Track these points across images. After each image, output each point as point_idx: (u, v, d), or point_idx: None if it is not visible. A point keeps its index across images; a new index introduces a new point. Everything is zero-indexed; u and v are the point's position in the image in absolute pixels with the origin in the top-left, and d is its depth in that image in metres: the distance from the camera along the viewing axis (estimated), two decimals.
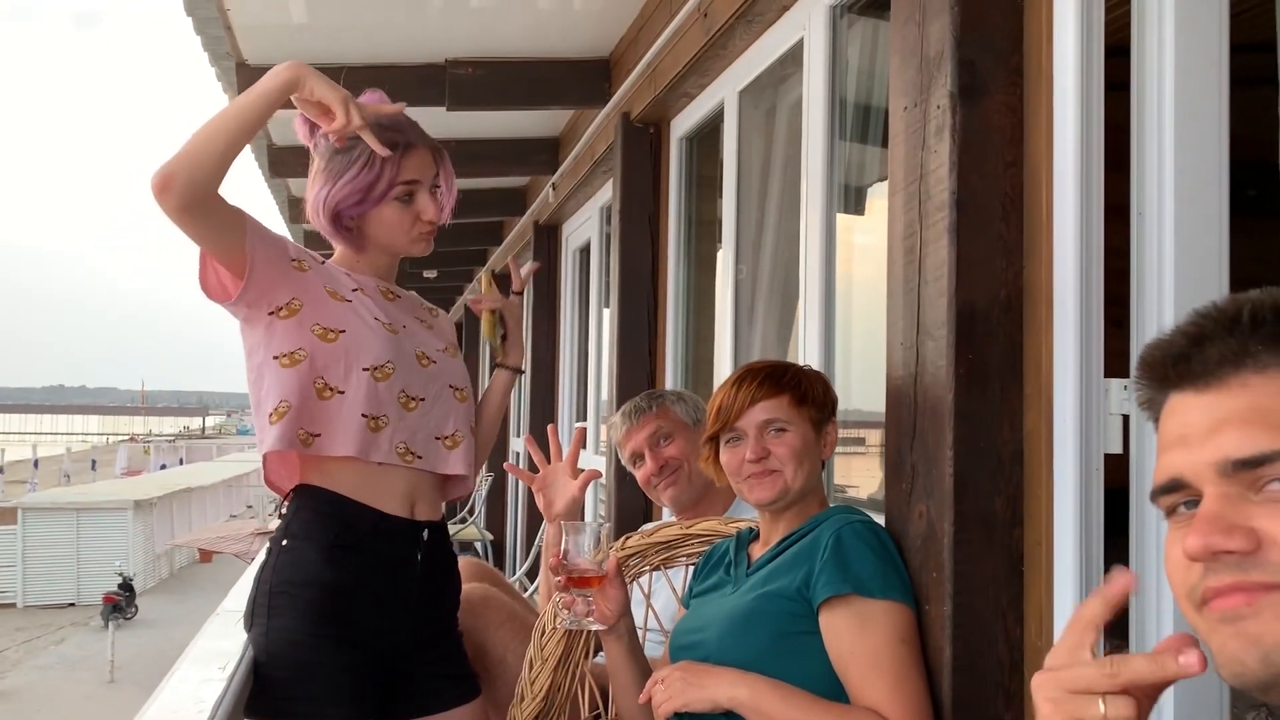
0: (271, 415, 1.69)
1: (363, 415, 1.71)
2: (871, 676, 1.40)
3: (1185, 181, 1.40)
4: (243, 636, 1.66)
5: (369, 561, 1.71)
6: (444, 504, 1.90)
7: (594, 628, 1.62)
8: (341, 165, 1.78)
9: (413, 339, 1.83)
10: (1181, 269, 1.40)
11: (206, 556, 26.55)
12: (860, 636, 1.42)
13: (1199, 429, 0.72)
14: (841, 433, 1.70)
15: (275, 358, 1.71)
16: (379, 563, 1.72)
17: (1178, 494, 0.73)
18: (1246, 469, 0.69)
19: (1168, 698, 1.37)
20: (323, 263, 1.82)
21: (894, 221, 1.61)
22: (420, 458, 1.77)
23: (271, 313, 1.71)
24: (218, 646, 1.67)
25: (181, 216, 1.58)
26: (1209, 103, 1.41)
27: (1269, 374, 0.71)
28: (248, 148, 4.83)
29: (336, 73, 3.67)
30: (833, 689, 1.43)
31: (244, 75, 3.53)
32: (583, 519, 2.06)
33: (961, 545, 1.44)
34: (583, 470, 2.06)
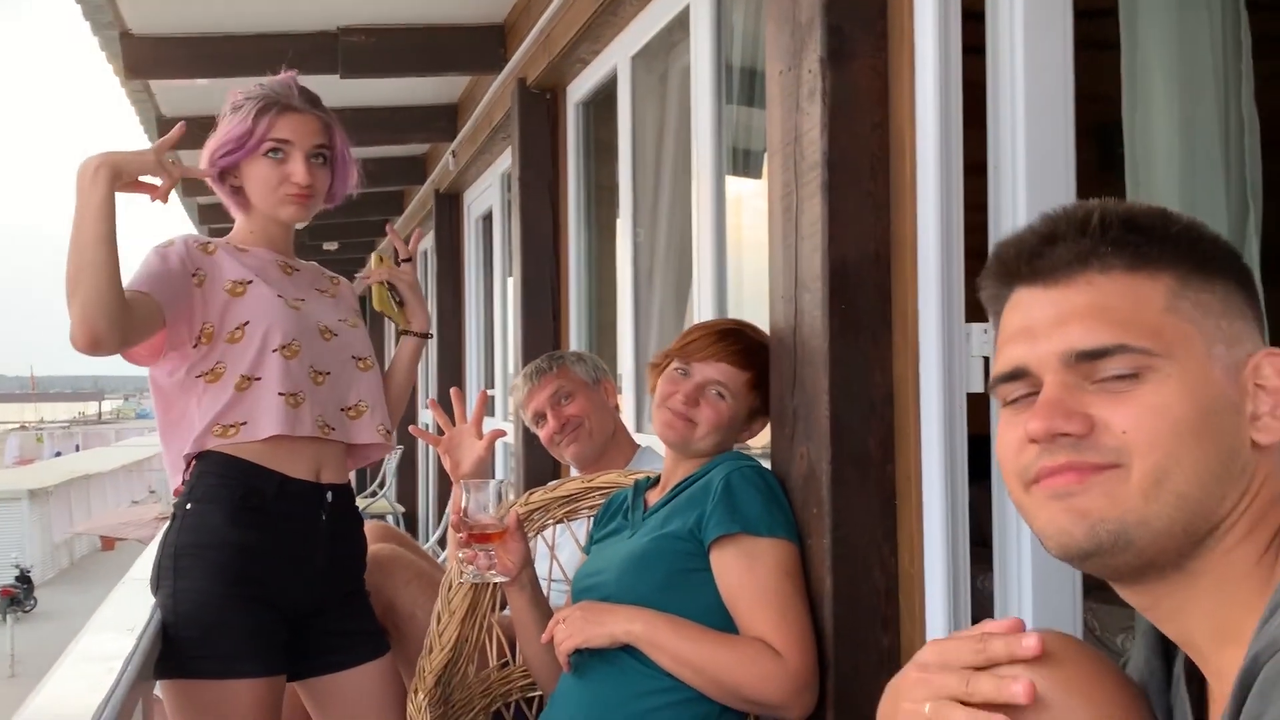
0: (214, 429, 1.75)
1: (280, 394, 1.76)
2: (759, 608, 1.50)
3: (1035, 139, 1.51)
4: (149, 602, 1.69)
5: (274, 521, 1.76)
6: (353, 470, 1.95)
7: (497, 579, 1.69)
8: (226, 118, 1.85)
9: (314, 313, 1.87)
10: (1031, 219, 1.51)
11: (109, 544, 25.80)
12: (748, 572, 1.51)
13: (1045, 321, 0.78)
14: None
15: (199, 376, 1.77)
16: (284, 523, 1.77)
17: (1019, 382, 0.80)
18: (1087, 360, 0.76)
19: (1025, 585, 1.50)
20: (212, 251, 1.83)
21: (773, 181, 1.70)
22: (334, 429, 1.84)
23: (194, 345, 1.78)
24: (124, 613, 1.69)
25: (125, 350, 1.68)
26: (1056, 64, 1.52)
27: (1113, 275, 0.77)
28: (136, 118, 4.69)
29: (224, 41, 3.60)
30: (724, 622, 1.52)
31: (128, 45, 3.45)
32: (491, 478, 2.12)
33: (839, 483, 1.54)
34: (488, 432, 2.12)
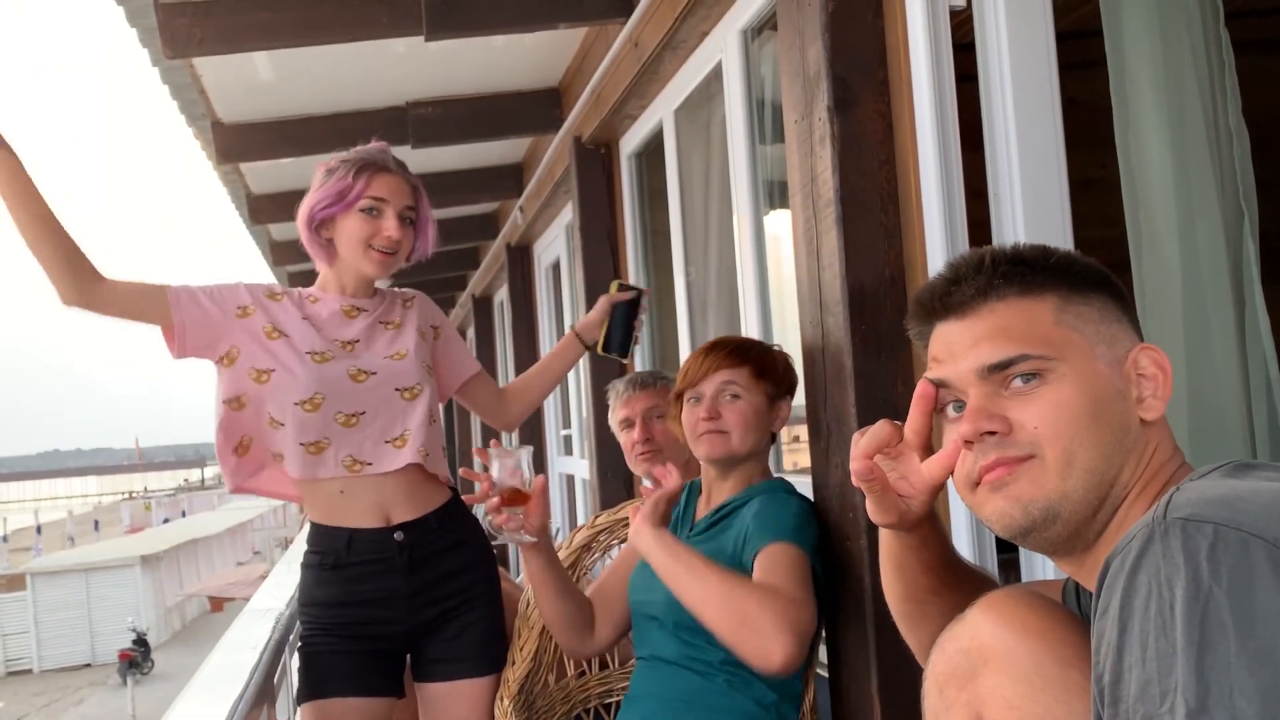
0: (237, 449, 2.00)
1: (300, 444, 1.96)
2: (774, 575, 1.64)
3: (1028, 158, 1.66)
4: (267, 626, 1.93)
5: (351, 573, 1.98)
6: (438, 501, 2.05)
7: (526, 540, 1.88)
8: (322, 180, 2.04)
9: (353, 358, 2.01)
10: (1032, 236, 1.65)
11: (218, 605, 26.64)
12: (770, 562, 1.67)
13: (960, 346, 0.98)
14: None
15: (225, 402, 1.99)
16: (360, 571, 1.98)
17: (945, 390, 0.99)
18: (998, 371, 0.95)
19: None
20: (278, 298, 2.04)
21: (796, 218, 1.87)
22: (370, 464, 1.98)
23: (218, 361, 1.99)
24: (246, 636, 1.93)
25: (94, 309, 1.90)
26: (1043, 87, 1.67)
27: (1008, 301, 0.97)
28: (228, 196, 5.06)
29: (303, 123, 3.91)
30: None
31: (219, 133, 3.78)
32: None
33: None
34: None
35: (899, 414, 1.74)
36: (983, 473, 0.95)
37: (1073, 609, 1.00)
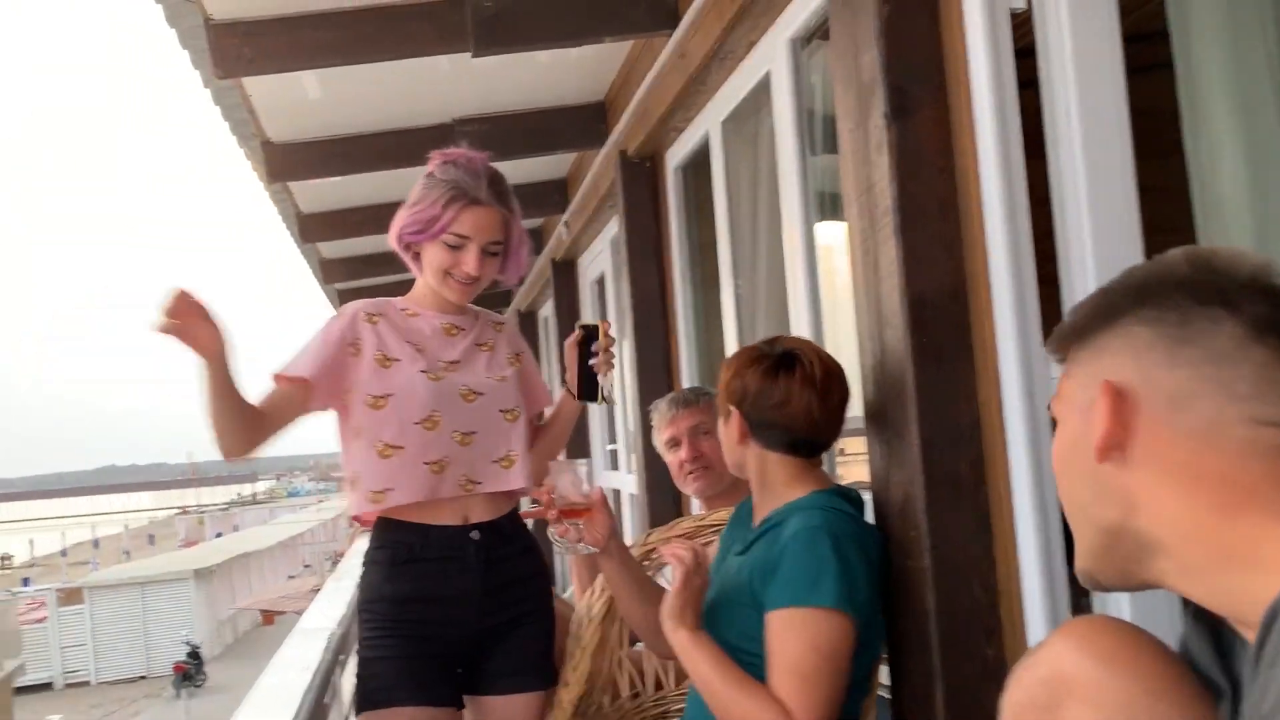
0: (350, 483, 2.01)
1: (425, 464, 1.97)
2: (783, 674, 1.55)
3: (1094, 166, 1.61)
4: (319, 646, 1.92)
5: (424, 569, 1.97)
6: (508, 506, 2.08)
7: (587, 550, 1.86)
8: (418, 196, 2.02)
9: (461, 376, 2.03)
10: (1100, 246, 1.59)
11: (269, 619, 26.95)
12: (783, 642, 1.57)
13: None
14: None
15: (344, 436, 2.03)
16: (433, 568, 1.97)
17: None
18: None
19: (1123, 599, 1.55)
20: (376, 321, 2.03)
21: (851, 228, 1.83)
22: (480, 483, 2.01)
23: (340, 403, 2.01)
24: (299, 655, 1.92)
25: (259, 448, 1.94)
26: (1108, 91, 1.61)
27: None
28: (279, 215, 5.12)
29: (351, 141, 3.93)
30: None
31: (269, 152, 3.82)
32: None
33: (934, 506, 1.64)
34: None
35: (960, 430, 1.71)
36: None
37: (1195, 623, 0.91)
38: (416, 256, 2.06)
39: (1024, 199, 1.65)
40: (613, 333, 2.12)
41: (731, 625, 1.66)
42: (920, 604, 1.66)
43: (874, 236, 1.74)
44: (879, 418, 1.76)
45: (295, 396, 1.96)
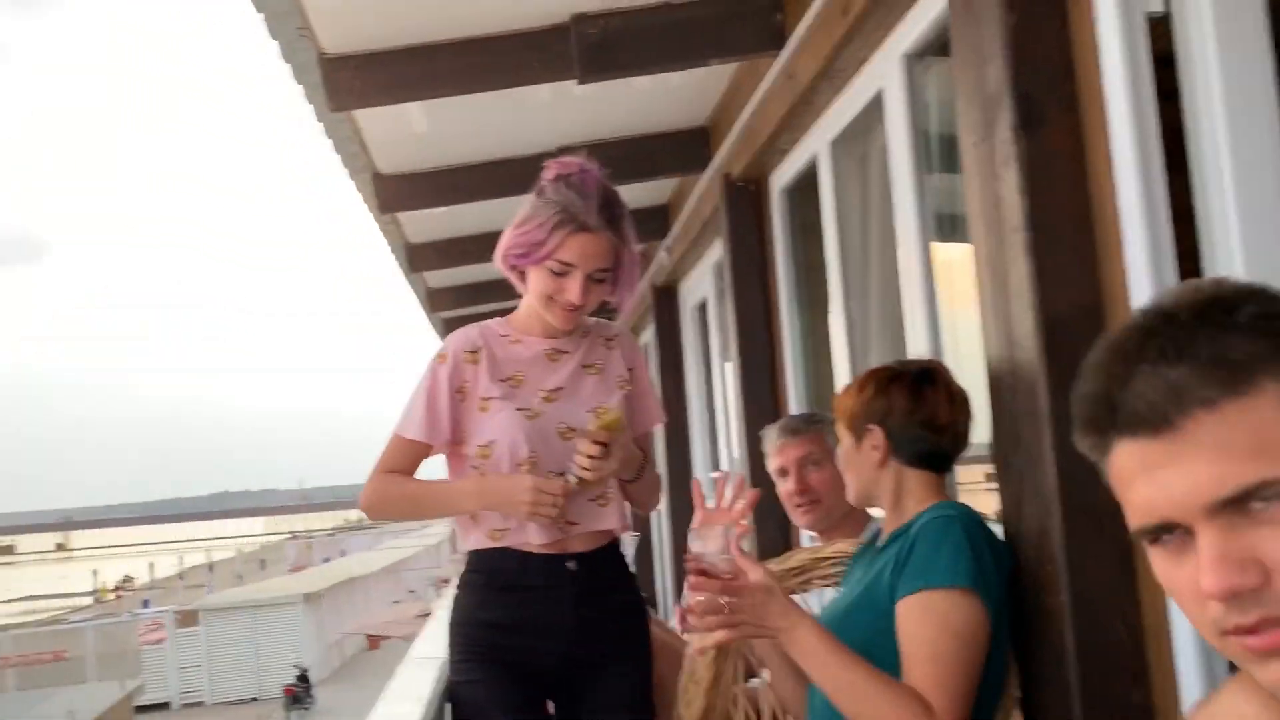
0: (472, 519, 2.02)
1: None
2: (919, 663, 1.50)
3: (1245, 181, 1.50)
4: (430, 676, 1.93)
5: (519, 595, 1.96)
6: (608, 539, 2.05)
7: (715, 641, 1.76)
8: (526, 216, 1.96)
9: (560, 410, 1.99)
10: (1252, 267, 1.48)
11: (375, 643, 27.42)
12: (917, 626, 1.53)
13: (1166, 472, 0.72)
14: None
15: (459, 474, 2.05)
16: (528, 594, 1.96)
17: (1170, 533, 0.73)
18: (1234, 504, 0.69)
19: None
20: (478, 360, 2.00)
21: (978, 246, 1.75)
22: (577, 524, 1.98)
23: (449, 445, 2.04)
24: (410, 688, 1.93)
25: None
26: (1259, 102, 1.51)
27: (1219, 409, 0.70)
28: (387, 243, 5.22)
29: (457, 172, 3.98)
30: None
31: (380, 184, 3.89)
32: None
33: (1072, 538, 1.55)
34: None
35: None
36: (1240, 632, 0.71)
37: None
38: (522, 276, 2.02)
39: (1166, 213, 1.56)
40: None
41: (856, 629, 1.59)
42: (1057, 642, 1.56)
43: (1002, 254, 1.66)
44: (1010, 445, 1.67)
45: (420, 453, 2.03)
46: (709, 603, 1.54)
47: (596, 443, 1.92)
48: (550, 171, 1.99)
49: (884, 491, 1.72)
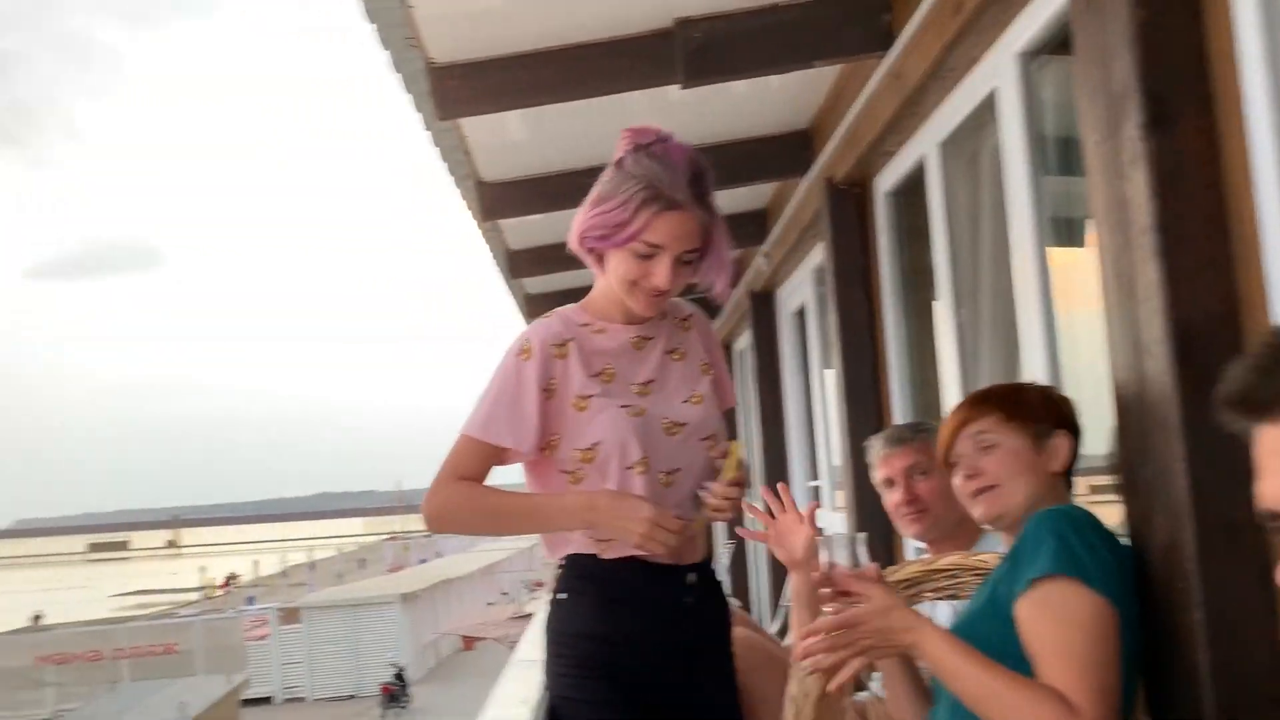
0: (593, 541, 1.84)
1: None
2: (1054, 658, 1.43)
3: None
4: (536, 681, 1.90)
5: (640, 608, 1.84)
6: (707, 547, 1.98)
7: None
8: (605, 193, 1.78)
9: (659, 405, 1.84)
10: None
11: (469, 644, 27.81)
12: (1042, 620, 1.46)
13: None
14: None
15: (551, 479, 1.86)
16: (650, 608, 1.85)
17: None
18: None
19: None
20: (565, 354, 1.82)
21: (1102, 250, 1.68)
22: (689, 522, 1.84)
23: (541, 450, 1.84)
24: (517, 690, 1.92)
25: None
26: None
27: None
28: (489, 250, 5.29)
29: (556, 179, 4.00)
30: None
31: (482, 191, 3.95)
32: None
33: (1207, 555, 1.47)
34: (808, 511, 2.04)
35: (1237, 472, 1.53)
36: None
37: None
38: (600, 259, 1.84)
39: None
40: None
41: (980, 641, 1.52)
42: (1190, 664, 1.48)
43: (1129, 257, 1.59)
44: (1138, 456, 1.60)
45: (496, 458, 1.83)
46: (836, 638, 1.49)
47: (733, 484, 1.82)
48: (627, 141, 1.80)
49: (1036, 501, 1.66)
